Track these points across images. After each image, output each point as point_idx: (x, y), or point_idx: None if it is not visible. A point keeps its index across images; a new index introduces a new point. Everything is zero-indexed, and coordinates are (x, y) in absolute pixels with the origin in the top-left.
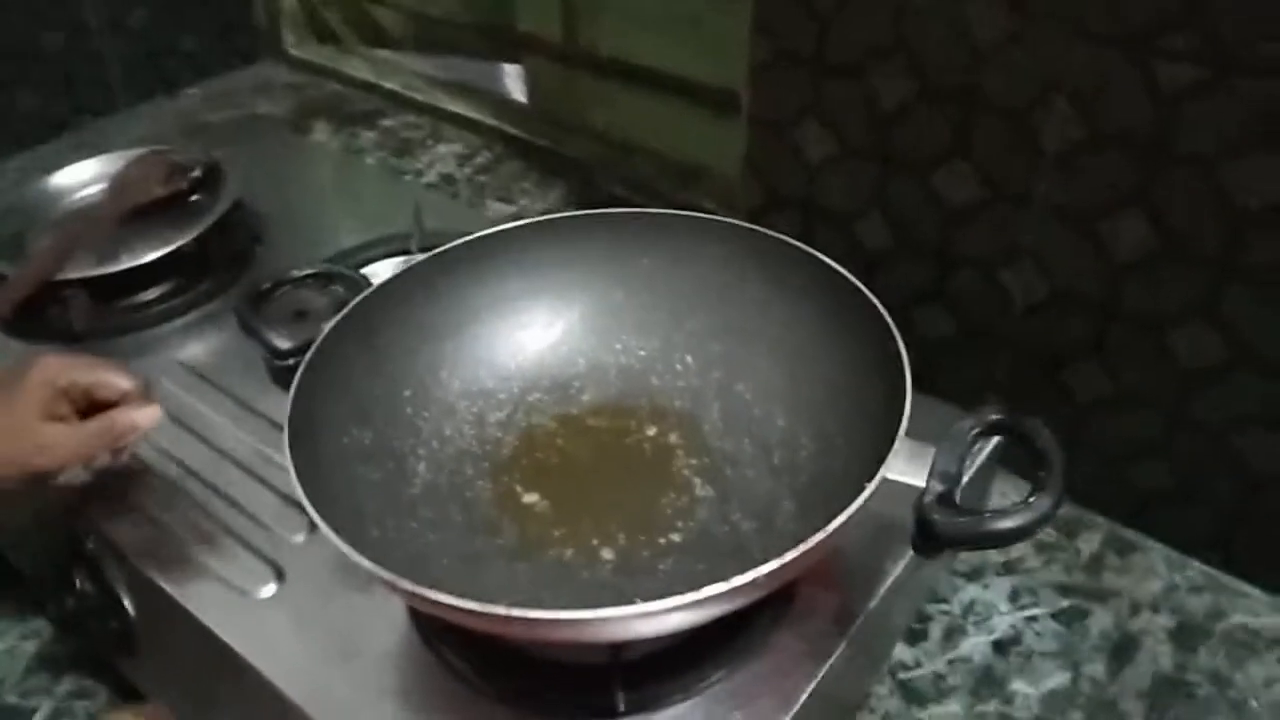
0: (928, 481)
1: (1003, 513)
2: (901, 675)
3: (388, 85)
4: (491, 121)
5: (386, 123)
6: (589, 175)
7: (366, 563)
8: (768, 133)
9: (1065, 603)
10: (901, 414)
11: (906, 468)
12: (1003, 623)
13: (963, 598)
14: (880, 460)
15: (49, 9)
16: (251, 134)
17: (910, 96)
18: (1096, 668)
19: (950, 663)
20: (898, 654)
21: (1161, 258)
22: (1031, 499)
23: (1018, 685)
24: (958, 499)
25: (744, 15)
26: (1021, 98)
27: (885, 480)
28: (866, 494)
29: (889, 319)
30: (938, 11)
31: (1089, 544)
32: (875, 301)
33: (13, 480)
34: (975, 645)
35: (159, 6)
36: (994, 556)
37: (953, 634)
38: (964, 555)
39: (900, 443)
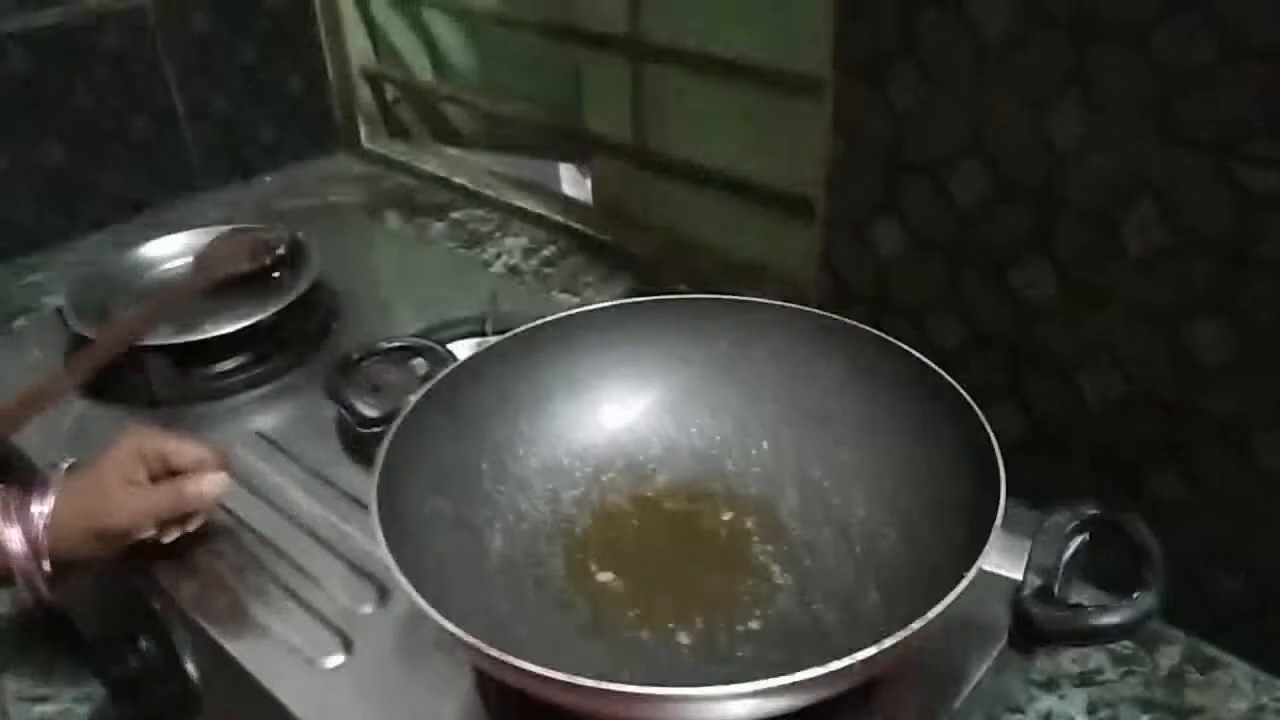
0: (1025, 575)
1: (1107, 608)
2: None
3: (457, 180)
4: (557, 217)
5: (456, 215)
6: (653, 271)
7: (448, 624)
8: (841, 229)
9: (1147, 718)
10: (996, 504)
11: (1002, 560)
12: None
13: (1039, 708)
14: (974, 552)
15: (140, 92)
16: (327, 218)
17: (988, 194)
18: None
19: None
20: None
21: (1243, 361)
22: (1135, 594)
23: None
24: (1055, 593)
25: (816, 118)
26: (1102, 198)
27: (980, 573)
28: (965, 582)
29: (975, 405)
30: (1017, 112)
31: (1168, 658)
32: (959, 389)
33: (80, 537)
34: None
35: (242, 95)
36: (1069, 667)
37: None
38: (1038, 662)
39: (996, 533)
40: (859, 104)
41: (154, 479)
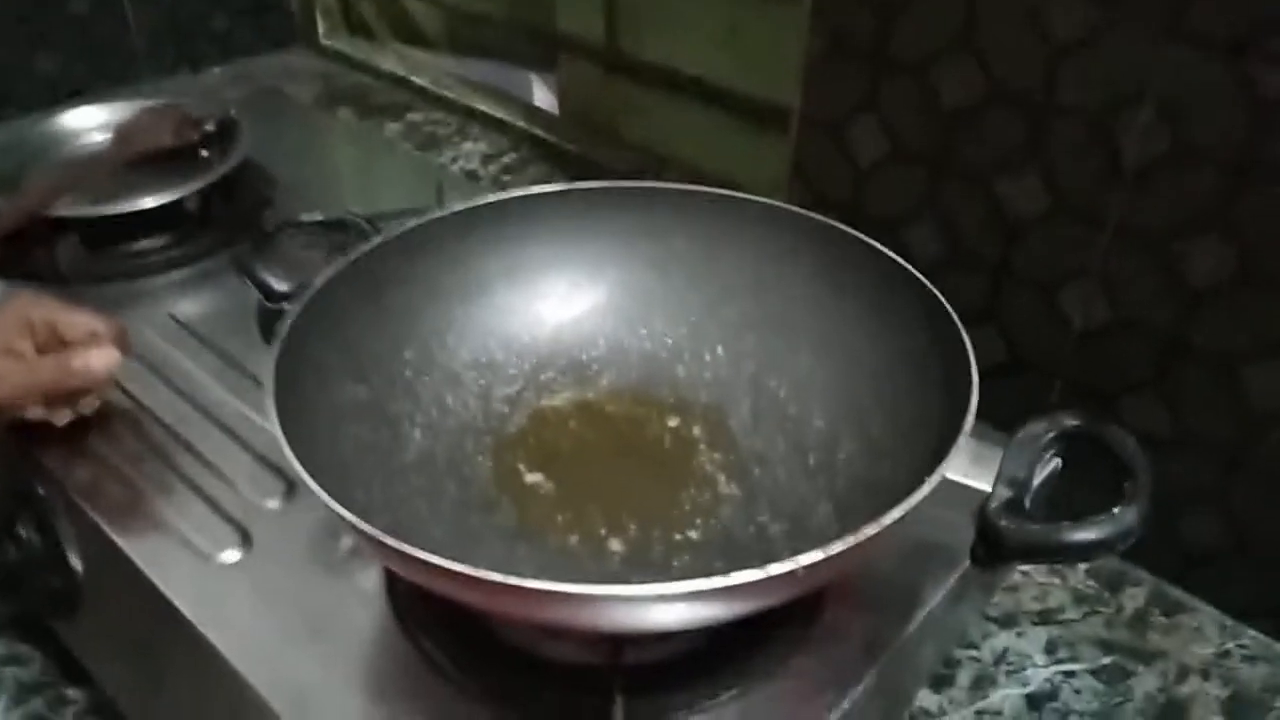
0: (994, 486)
1: (1082, 523)
2: None
3: (417, 80)
4: (521, 124)
5: (413, 116)
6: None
7: (347, 514)
8: (818, 132)
9: (1106, 660)
10: (966, 410)
11: (970, 469)
12: (1038, 675)
13: (994, 645)
14: (938, 459)
15: None
16: (274, 107)
17: (977, 96)
18: None
19: (978, 714)
20: (921, 699)
21: (1237, 286)
22: (1115, 510)
23: None
24: (1027, 507)
25: (793, 20)
26: (1100, 102)
27: (945, 481)
28: (927, 488)
29: (951, 312)
30: (1014, 3)
31: (1133, 600)
32: (936, 293)
33: None
34: (1006, 697)
35: None
36: (1029, 604)
37: (982, 683)
38: (995, 599)
39: (964, 440)
40: None
41: (41, 352)
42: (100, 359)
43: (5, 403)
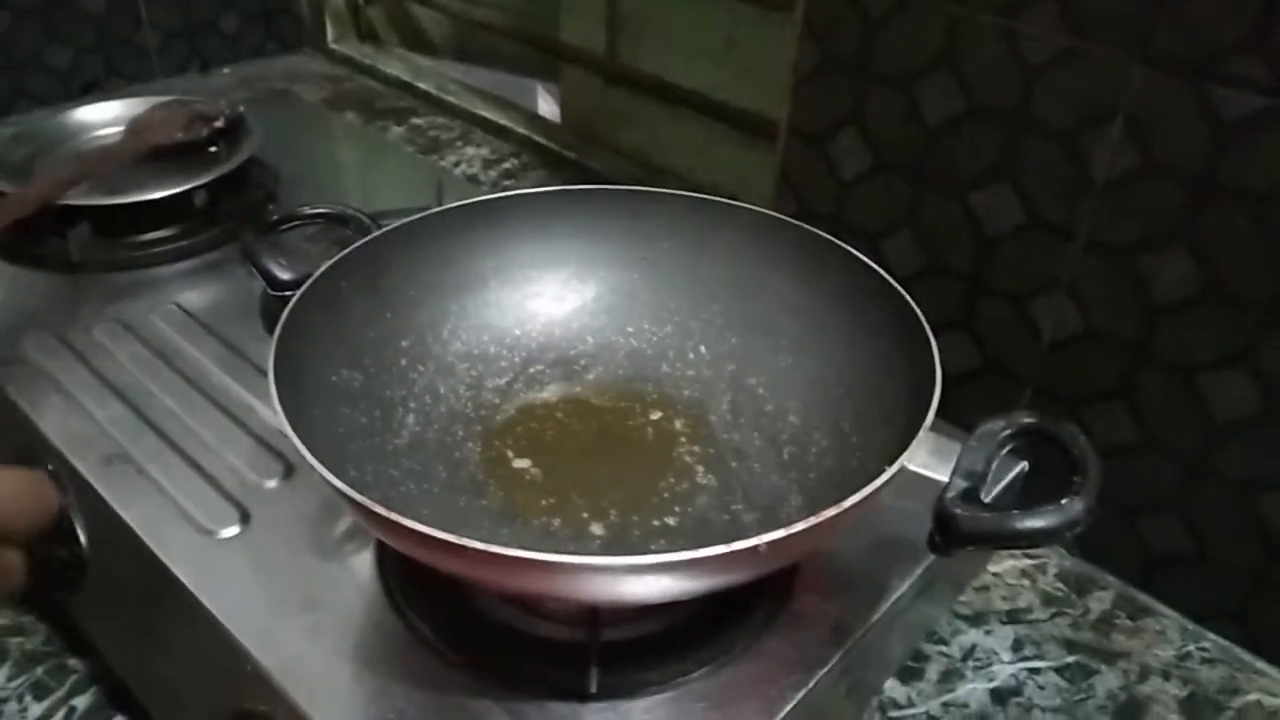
0: (951, 477)
1: (1031, 512)
2: (893, 713)
3: (422, 85)
4: (522, 130)
5: (417, 121)
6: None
7: (343, 485)
8: (804, 144)
9: (1071, 658)
10: (929, 405)
11: (929, 460)
12: (1003, 671)
13: (963, 641)
14: (900, 452)
15: None
16: (282, 107)
17: (956, 112)
18: None
19: (945, 706)
20: (891, 691)
21: (1202, 299)
22: (1064, 501)
23: None
24: (983, 499)
25: (785, 36)
26: (1071, 120)
27: (905, 471)
28: (886, 476)
29: (920, 315)
30: (991, 25)
31: (1099, 603)
32: (907, 297)
33: None
34: (973, 691)
35: None
36: (998, 604)
37: (950, 676)
38: (966, 598)
39: (925, 433)
40: (829, 8)
41: None
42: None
43: None
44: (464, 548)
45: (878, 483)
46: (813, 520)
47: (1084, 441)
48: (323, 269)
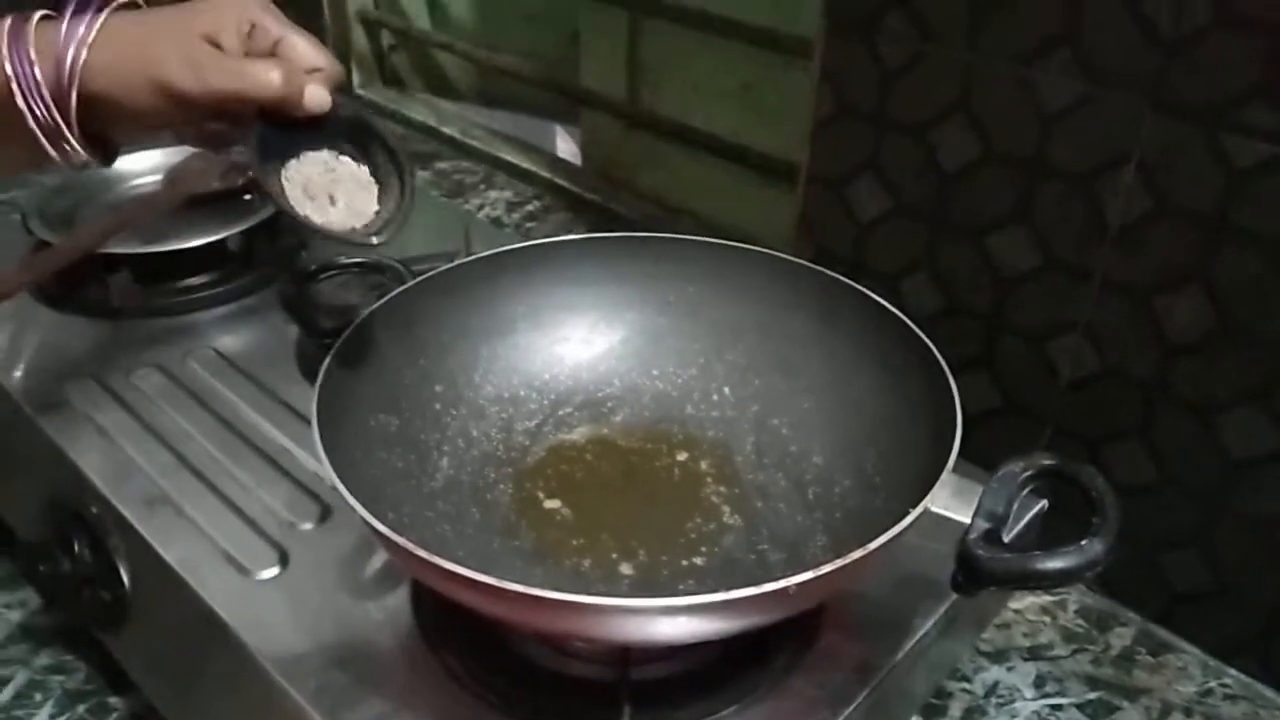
0: (973, 519)
1: (1052, 553)
2: None
3: (446, 130)
4: (545, 173)
5: (442, 165)
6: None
7: (380, 525)
8: (823, 188)
9: (1093, 695)
10: (950, 448)
11: (951, 502)
12: (1026, 708)
13: (985, 678)
14: (923, 495)
15: None
16: None
17: (972, 158)
18: None
19: None
20: None
21: (1218, 339)
22: (1083, 542)
23: None
24: (1004, 539)
25: (804, 83)
26: (1086, 165)
27: (928, 513)
28: (911, 518)
29: (940, 358)
30: (1006, 73)
31: (1120, 639)
32: (926, 340)
33: (131, 78)
34: None
35: None
36: (1020, 641)
37: (973, 713)
38: (988, 635)
39: (947, 475)
40: (847, 58)
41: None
42: (316, 96)
43: (196, 95)
44: (501, 589)
45: (902, 525)
46: (840, 562)
47: (1102, 483)
48: (361, 317)
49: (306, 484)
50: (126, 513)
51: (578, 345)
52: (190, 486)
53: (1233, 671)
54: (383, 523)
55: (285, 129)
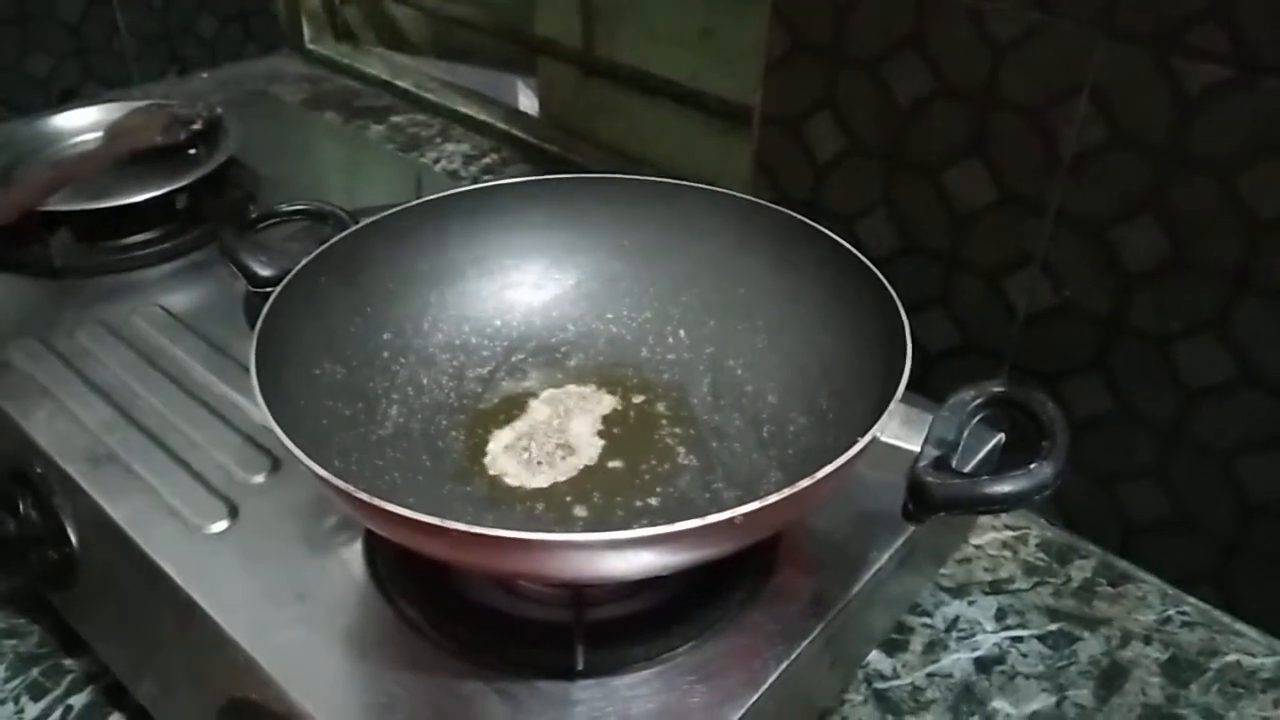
0: (923, 446)
1: (1001, 477)
2: (878, 684)
3: (400, 84)
4: (501, 125)
5: (396, 119)
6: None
7: (322, 470)
8: (778, 129)
9: (1053, 626)
10: (899, 379)
11: (901, 431)
12: (987, 641)
13: (946, 612)
14: (873, 423)
15: None
16: (261, 109)
17: (925, 92)
18: (1083, 694)
19: (930, 676)
20: (875, 663)
21: (1173, 269)
22: (1032, 465)
23: (999, 704)
24: (957, 468)
25: (759, 26)
26: (1041, 97)
27: (882, 444)
28: (858, 447)
29: (891, 289)
30: (960, 4)
31: (1081, 571)
32: (878, 273)
33: None
34: (957, 661)
35: None
36: (980, 575)
37: (934, 647)
38: (948, 570)
39: (896, 405)
40: None
41: None
42: None
43: None
44: (448, 530)
45: (850, 453)
46: (786, 492)
47: (1052, 407)
48: (302, 264)
49: (256, 438)
50: (72, 471)
51: (529, 291)
52: (137, 443)
53: (1191, 600)
54: (329, 470)
55: None
